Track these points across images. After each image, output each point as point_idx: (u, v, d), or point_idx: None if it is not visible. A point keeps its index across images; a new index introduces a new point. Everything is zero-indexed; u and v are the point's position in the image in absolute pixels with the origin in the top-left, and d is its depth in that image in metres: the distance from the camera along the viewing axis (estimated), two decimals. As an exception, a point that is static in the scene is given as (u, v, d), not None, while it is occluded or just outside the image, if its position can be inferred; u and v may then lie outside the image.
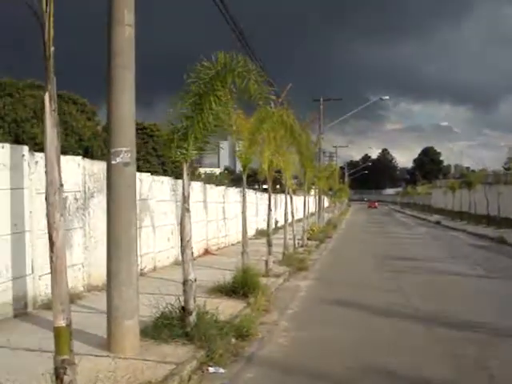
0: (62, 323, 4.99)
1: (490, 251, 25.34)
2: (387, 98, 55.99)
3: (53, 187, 5.04)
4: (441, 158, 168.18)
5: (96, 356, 7.21)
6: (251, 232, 29.55)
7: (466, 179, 54.10)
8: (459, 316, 10.86)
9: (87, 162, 12.36)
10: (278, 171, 19.67)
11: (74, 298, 10.67)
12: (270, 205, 17.06)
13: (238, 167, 71.00)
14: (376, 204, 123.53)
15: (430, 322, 10.40)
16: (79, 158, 12.33)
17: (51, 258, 4.99)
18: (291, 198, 23.30)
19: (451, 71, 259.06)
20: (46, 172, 5.07)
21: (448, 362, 7.91)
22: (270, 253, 16.09)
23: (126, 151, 7.41)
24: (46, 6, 4.93)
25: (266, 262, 15.72)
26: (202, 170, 52.95)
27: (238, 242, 23.19)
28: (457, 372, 7.47)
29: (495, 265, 19.97)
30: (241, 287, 11.94)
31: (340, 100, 49.62)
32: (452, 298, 13.07)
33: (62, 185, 5.11)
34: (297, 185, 35.73)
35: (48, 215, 5.06)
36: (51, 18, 4.95)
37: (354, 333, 9.61)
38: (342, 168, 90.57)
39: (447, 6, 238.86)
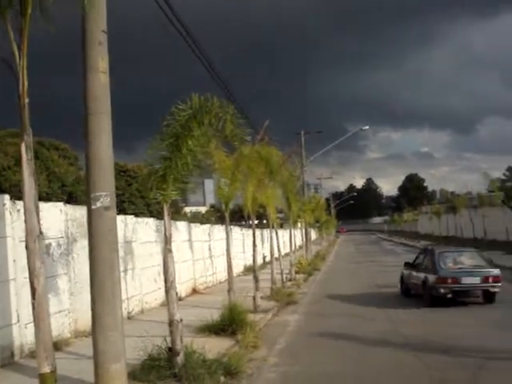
0: (46, 369, 5.02)
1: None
2: (367, 127, 56.21)
3: (32, 235, 5.11)
4: (425, 184, 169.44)
5: (84, 402, 7.18)
6: (239, 269, 29.52)
7: (450, 204, 54.58)
8: (448, 342, 10.91)
9: (69, 208, 12.40)
10: (262, 206, 19.76)
11: (61, 344, 10.61)
12: (254, 241, 17.17)
13: (224, 204, 70.85)
14: (344, 230, 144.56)
15: (419, 349, 10.39)
16: (61, 204, 12.37)
17: (33, 304, 5.04)
18: (276, 232, 23.39)
19: (427, 98, 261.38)
20: (24, 220, 5.14)
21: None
22: (257, 288, 16.11)
23: (105, 195, 7.48)
24: (20, 59, 5.06)
25: (254, 298, 15.72)
26: (187, 209, 52.98)
27: (227, 280, 23.18)
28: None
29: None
30: (228, 325, 11.93)
31: (320, 133, 50.02)
32: (441, 324, 13.14)
33: (41, 232, 5.18)
34: (282, 219, 35.85)
35: (29, 263, 5.11)
36: (25, 71, 5.09)
37: (343, 365, 9.65)
38: (327, 199, 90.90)
39: (418, 33, 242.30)
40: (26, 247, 5.16)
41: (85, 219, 12.07)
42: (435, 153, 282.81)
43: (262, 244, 34.86)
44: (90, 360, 7.99)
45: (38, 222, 5.18)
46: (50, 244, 11.13)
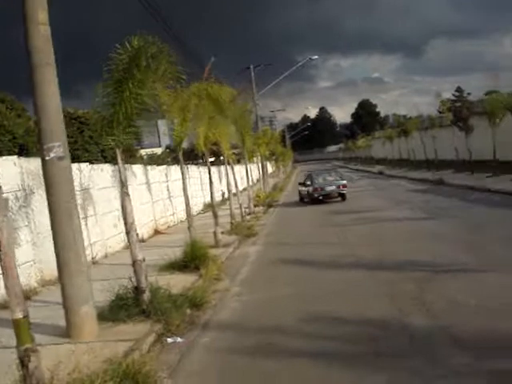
0: (19, 315, 5.30)
1: (430, 194, 26.45)
2: (316, 57, 55.85)
3: (-8, 190, 5.28)
4: (377, 110, 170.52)
5: (57, 344, 7.52)
6: (199, 207, 29.96)
7: (402, 127, 55.35)
8: (399, 258, 11.54)
9: (23, 161, 12.42)
10: (216, 144, 19.92)
11: (29, 294, 10.86)
12: (210, 177, 17.47)
13: (179, 144, 70.11)
14: None
15: (373, 268, 11.00)
16: (14, 157, 12.38)
17: (-1, 256, 5.26)
18: (232, 168, 23.69)
19: (375, 23, 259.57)
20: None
21: (388, 301, 8.54)
22: (216, 224, 16.52)
23: (58, 146, 7.64)
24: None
25: (215, 234, 16.13)
26: (142, 152, 52.58)
27: (187, 218, 23.52)
28: (397, 309, 8.06)
29: (434, 206, 20.92)
30: (191, 260, 12.35)
31: (270, 65, 49.57)
32: (393, 243, 13.74)
33: (0, 187, 5.36)
34: (238, 154, 36.12)
35: (-10, 217, 5.30)
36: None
37: (302, 288, 10.15)
38: (282, 131, 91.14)
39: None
40: (-13, 202, 5.35)
41: (40, 171, 12.20)
42: (386, 77, 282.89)
43: (220, 181, 35.21)
44: (59, 306, 8.32)
45: (-5, 177, 5.35)
46: (7, 198, 11.21)
